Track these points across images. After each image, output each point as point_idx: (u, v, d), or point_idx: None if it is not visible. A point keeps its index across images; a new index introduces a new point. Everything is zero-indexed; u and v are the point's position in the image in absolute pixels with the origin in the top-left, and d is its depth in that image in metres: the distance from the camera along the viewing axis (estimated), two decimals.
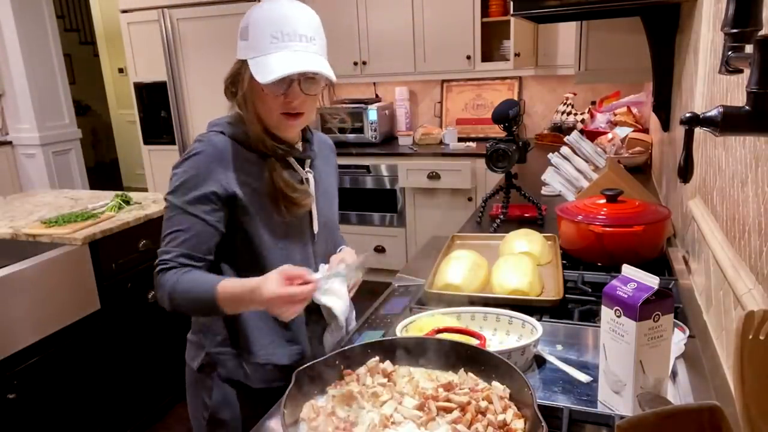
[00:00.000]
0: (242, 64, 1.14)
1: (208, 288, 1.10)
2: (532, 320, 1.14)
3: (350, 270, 1.19)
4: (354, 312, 1.36)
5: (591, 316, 1.23)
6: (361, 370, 0.93)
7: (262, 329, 1.26)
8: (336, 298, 1.18)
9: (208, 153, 1.17)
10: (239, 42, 1.15)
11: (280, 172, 1.20)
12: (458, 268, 1.38)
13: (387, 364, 0.94)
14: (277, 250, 1.22)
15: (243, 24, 1.14)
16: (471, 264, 1.39)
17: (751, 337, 0.62)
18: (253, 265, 1.20)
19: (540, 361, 1.10)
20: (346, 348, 0.99)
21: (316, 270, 1.22)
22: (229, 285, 1.10)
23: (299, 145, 1.28)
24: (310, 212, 1.28)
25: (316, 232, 1.30)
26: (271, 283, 1.04)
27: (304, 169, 1.27)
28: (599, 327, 0.94)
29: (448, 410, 0.82)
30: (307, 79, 1.14)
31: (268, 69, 1.08)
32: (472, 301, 1.27)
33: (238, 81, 1.16)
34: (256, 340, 1.26)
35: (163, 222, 1.17)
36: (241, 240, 1.21)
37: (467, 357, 0.93)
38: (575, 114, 3.79)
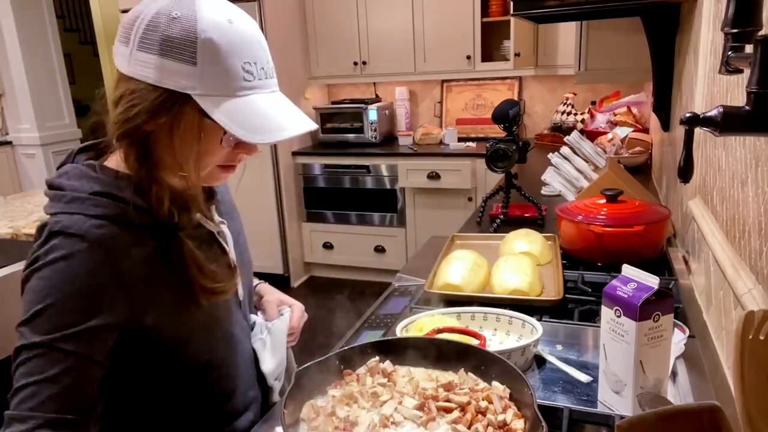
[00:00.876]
0: (176, 98, 0.77)
1: None
2: (533, 320, 1.14)
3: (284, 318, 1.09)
4: (292, 364, 1.22)
5: (591, 316, 1.23)
6: (361, 370, 0.93)
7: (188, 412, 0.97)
8: (270, 354, 1.08)
9: (83, 258, 0.77)
10: (160, 60, 0.76)
11: (192, 253, 0.86)
12: (458, 268, 1.37)
13: (387, 364, 0.94)
14: (199, 340, 0.93)
15: (171, 32, 0.75)
16: (471, 264, 1.39)
17: (751, 337, 0.62)
18: (168, 366, 0.91)
19: (540, 361, 1.10)
20: (346, 348, 0.99)
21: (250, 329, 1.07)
22: None
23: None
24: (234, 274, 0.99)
25: (241, 299, 1.04)
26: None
27: (215, 221, 0.97)
28: (599, 327, 0.94)
29: (449, 410, 0.82)
30: None
31: (253, 122, 0.78)
32: (472, 301, 1.27)
33: (164, 121, 0.78)
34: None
35: (15, 365, 0.77)
36: (152, 341, 0.87)
37: (467, 357, 0.93)
38: (575, 114, 3.79)
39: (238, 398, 1.03)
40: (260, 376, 1.10)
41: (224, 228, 0.99)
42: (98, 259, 0.78)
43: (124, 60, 0.79)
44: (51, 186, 0.85)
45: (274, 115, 0.81)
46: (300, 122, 0.84)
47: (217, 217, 0.98)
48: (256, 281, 1.20)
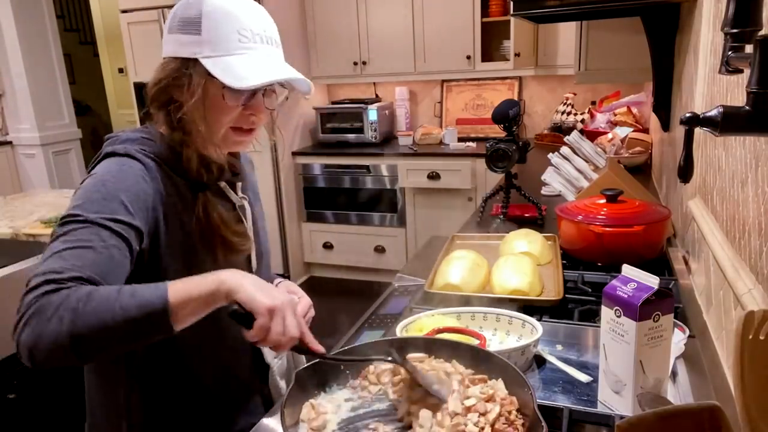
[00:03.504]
0: (187, 64, 0.92)
1: (145, 287, 0.76)
2: (532, 320, 1.14)
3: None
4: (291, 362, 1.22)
5: (591, 316, 1.23)
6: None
7: (189, 408, 1.02)
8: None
9: (133, 167, 0.90)
10: (178, 36, 0.92)
11: (216, 208, 0.97)
12: (458, 268, 1.37)
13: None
14: None
15: (186, 14, 0.92)
16: (471, 264, 1.39)
17: (751, 337, 0.62)
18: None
19: (540, 361, 1.10)
20: (346, 348, 0.99)
21: None
22: (188, 279, 0.79)
23: (224, 163, 1.04)
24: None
25: (254, 270, 1.09)
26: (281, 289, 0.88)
27: (237, 194, 1.06)
28: (599, 327, 0.94)
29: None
30: (268, 92, 0.99)
31: (241, 72, 0.89)
32: (472, 301, 1.27)
33: (182, 84, 0.92)
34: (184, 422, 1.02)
35: (56, 239, 0.81)
36: None
37: (467, 357, 0.93)
38: (575, 114, 3.79)
39: (238, 371, 1.08)
40: (262, 367, 1.13)
41: (245, 204, 1.08)
42: (143, 174, 0.91)
43: (164, 45, 0.96)
44: (108, 138, 0.98)
45: (262, 68, 0.92)
46: (287, 72, 0.95)
47: (240, 193, 1.08)
48: (277, 279, 1.19)
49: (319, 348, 0.84)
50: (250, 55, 0.92)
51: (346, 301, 3.94)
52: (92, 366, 1.02)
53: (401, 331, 1.13)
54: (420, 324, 1.15)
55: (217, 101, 0.93)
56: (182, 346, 0.97)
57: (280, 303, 0.78)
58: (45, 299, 0.73)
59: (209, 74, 0.90)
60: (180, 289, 0.77)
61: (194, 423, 1.03)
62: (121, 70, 6.31)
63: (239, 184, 1.08)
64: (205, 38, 0.91)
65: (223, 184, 1.04)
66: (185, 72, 0.92)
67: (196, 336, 0.87)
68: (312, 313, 1.07)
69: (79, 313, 0.72)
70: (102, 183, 0.87)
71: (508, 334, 1.16)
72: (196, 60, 0.91)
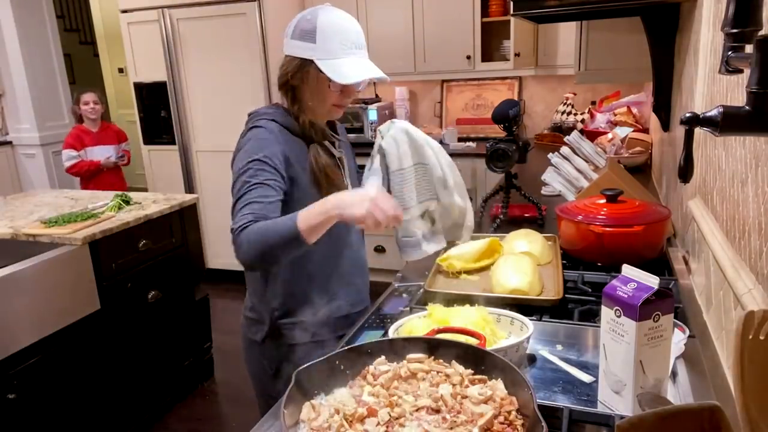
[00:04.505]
0: (305, 63, 1.31)
1: (286, 218, 1.19)
2: (522, 317, 1.14)
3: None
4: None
5: (591, 316, 1.23)
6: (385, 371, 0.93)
7: (314, 290, 1.42)
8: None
9: (268, 133, 1.32)
10: (299, 42, 1.31)
11: (321, 156, 1.38)
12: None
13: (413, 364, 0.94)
14: (326, 233, 1.30)
15: (305, 27, 1.31)
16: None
17: (751, 337, 0.62)
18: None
19: (539, 361, 1.10)
20: (346, 348, 0.99)
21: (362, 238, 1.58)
22: (310, 206, 1.19)
23: (326, 128, 1.45)
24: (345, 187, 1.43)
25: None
26: (374, 187, 1.18)
27: (336, 150, 1.45)
28: (599, 327, 0.94)
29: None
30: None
31: (345, 72, 1.28)
32: (473, 300, 1.27)
33: (302, 76, 1.33)
34: (312, 301, 1.42)
35: (238, 184, 1.27)
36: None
37: (468, 357, 0.93)
38: (575, 114, 3.79)
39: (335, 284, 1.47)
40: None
41: (343, 156, 1.48)
42: (271, 135, 1.33)
43: (286, 46, 1.35)
44: (250, 114, 1.42)
45: (359, 68, 1.31)
46: (376, 72, 1.32)
47: (338, 149, 1.46)
48: None
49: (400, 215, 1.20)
50: (349, 59, 1.30)
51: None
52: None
53: (394, 333, 1.13)
54: (410, 326, 1.15)
55: (324, 88, 1.34)
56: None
57: (369, 200, 1.13)
58: (240, 237, 1.21)
59: (320, 71, 1.29)
60: (304, 217, 1.17)
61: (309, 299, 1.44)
62: (121, 70, 6.31)
63: (337, 143, 1.47)
64: (319, 46, 1.30)
65: (326, 142, 1.42)
66: (303, 68, 1.32)
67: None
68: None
69: (249, 236, 1.19)
70: (255, 140, 1.32)
71: (510, 335, 1.16)
72: (312, 61, 1.30)
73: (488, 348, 0.99)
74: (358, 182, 1.55)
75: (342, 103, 1.39)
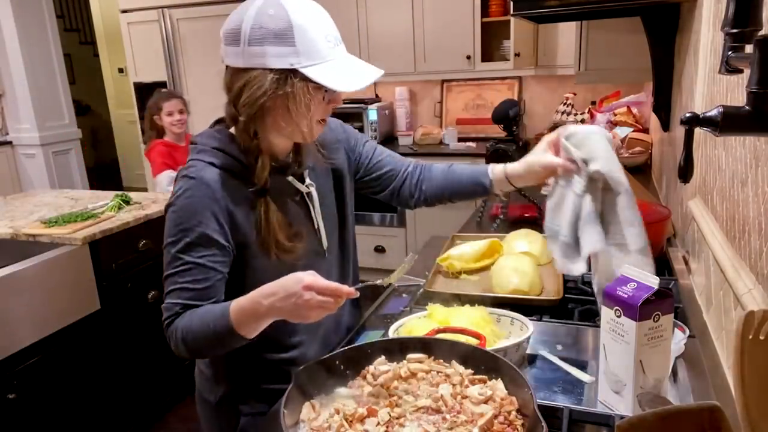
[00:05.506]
0: (286, 75, 1.00)
1: (220, 316, 0.99)
2: (522, 317, 1.15)
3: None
4: None
5: (591, 316, 1.23)
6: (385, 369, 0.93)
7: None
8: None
9: (200, 193, 1.04)
10: (271, 48, 0.99)
11: (274, 214, 1.09)
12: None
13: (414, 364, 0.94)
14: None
15: (274, 26, 0.99)
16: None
17: (751, 337, 0.62)
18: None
19: (539, 361, 1.10)
20: (346, 348, 0.99)
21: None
22: (240, 302, 0.99)
23: (290, 155, 1.17)
24: (317, 230, 1.20)
25: (325, 247, 1.22)
26: (303, 275, 0.94)
27: (303, 183, 1.18)
28: (599, 327, 0.94)
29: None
30: None
31: (344, 77, 1.02)
32: (473, 300, 1.27)
33: (285, 94, 1.01)
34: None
35: (167, 256, 1.07)
36: (250, 277, 1.11)
37: (467, 357, 0.93)
38: (575, 114, 3.79)
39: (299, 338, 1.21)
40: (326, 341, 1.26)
41: (312, 190, 1.19)
42: (205, 193, 1.05)
43: (239, 57, 1.01)
44: (192, 142, 1.13)
45: (356, 68, 1.06)
46: (372, 73, 1.08)
47: (307, 179, 1.19)
48: (498, 166, 1.27)
49: (351, 291, 0.96)
50: (338, 60, 1.04)
51: (345, 301, 3.94)
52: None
53: (394, 333, 1.14)
54: (410, 326, 1.16)
55: (311, 103, 1.04)
56: None
57: (298, 300, 0.92)
58: (168, 332, 1.06)
59: (308, 80, 1.01)
60: (237, 319, 0.98)
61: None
62: (121, 70, 6.31)
63: (306, 171, 1.19)
64: (301, 49, 0.99)
65: (290, 177, 1.15)
66: (286, 82, 1.00)
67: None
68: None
69: (186, 339, 1.03)
70: (180, 211, 1.05)
71: (509, 336, 1.16)
72: (295, 70, 1.00)
73: (488, 348, 0.99)
74: (336, 214, 1.27)
75: (326, 116, 1.11)
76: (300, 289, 0.92)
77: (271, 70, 1.00)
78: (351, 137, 1.34)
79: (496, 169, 1.27)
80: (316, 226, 1.20)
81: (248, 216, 1.08)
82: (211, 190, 1.05)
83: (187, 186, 1.05)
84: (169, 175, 2.84)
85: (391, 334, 1.13)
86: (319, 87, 1.02)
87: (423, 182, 1.36)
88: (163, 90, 2.81)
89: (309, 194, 1.19)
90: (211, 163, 1.07)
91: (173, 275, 1.05)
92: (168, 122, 2.95)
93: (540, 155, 1.17)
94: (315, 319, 0.95)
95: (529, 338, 1.09)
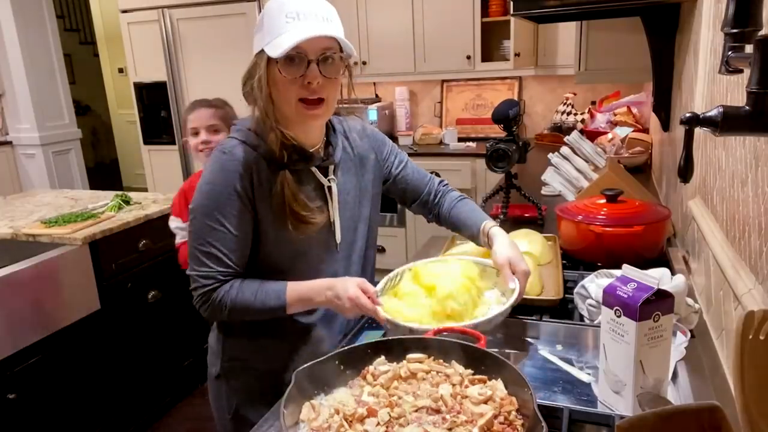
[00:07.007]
0: (257, 57, 1.11)
1: (275, 296, 1.15)
2: (509, 273, 1.18)
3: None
4: None
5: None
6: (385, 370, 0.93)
7: (279, 343, 1.28)
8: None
9: (231, 166, 1.14)
10: (255, 36, 1.12)
11: (291, 186, 1.16)
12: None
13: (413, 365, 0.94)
14: (301, 262, 1.22)
15: (260, 17, 1.12)
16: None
17: (751, 337, 0.62)
18: (276, 276, 1.20)
19: (539, 361, 1.10)
20: (346, 348, 0.99)
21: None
22: (297, 287, 1.15)
23: (320, 149, 1.23)
24: (333, 223, 1.25)
25: (338, 241, 1.27)
26: (352, 286, 1.10)
27: (326, 176, 1.23)
28: (599, 327, 0.94)
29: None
30: (326, 59, 1.09)
31: (281, 43, 1.05)
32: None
33: (254, 74, 1.12)
34: (274, 353, 1.28)
35: (191, 237, 1.16)
36: (264, 252, 1.20)
37: (467, 357, 0.93)
38: (575, 114, 3.79)
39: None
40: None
41: (333, 185, 1.24)
42: (235, 167, 1.14)
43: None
44: (233, 123, 1.24)
45: (297, 32, 1.05)
46: (317, 30, 1.06)
47: (330, 174, 1.23)
48: (489, 223, 1.31)
49: (381, 319, 1.09)
50: (293, 30, 1.06)
51: None
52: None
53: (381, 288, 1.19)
54: (396, 288, 1.20)
55: (278, 80, 1.10)
56: None
57: (335, 301, 1.12)
58: (206, 297, 1.16)
59: (269, 58, 1.08)
60: (294, 298, 1.15)
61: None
62: (121, 70, 6.31)
63: (331, 168, 1.24)
64: (264, 31, 1.09)
65: (314, 168, 1.21)
66: (258, 64, 1.11)
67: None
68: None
69: (234, 308, 1.15)
70: (212, 182, 1.15)
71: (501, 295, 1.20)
72: (260, 51, 1.10)
73: (474, 321, 1.05)
74: (356, 215, 1.30)
75: (310, 96, 1.11)
76: (345, 297, 1.10)
77: (255, 57, 1.13)
78: (385, 146, 1.39)
79: (486, 226, 1.31)
80: (331, 219, 1.24)
81: (269, 189, 1.16)
82: (239, 164, 1.14)
83: (221, 160, 1.15)
84: (178, 224, 2.07)
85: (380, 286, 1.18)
86: (276, 61, 1.08)
87: (439, 207, 1.44)
88: (197, 99, 2.09)
89: (329, 188, 1.24)
90: (243, 141, 1.16)
91: (205, 243, 1.14)
92: (192, 145, 1.98)
93: (501, 263, 1.20)
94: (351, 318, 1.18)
95: (516, 300, 1.12)
